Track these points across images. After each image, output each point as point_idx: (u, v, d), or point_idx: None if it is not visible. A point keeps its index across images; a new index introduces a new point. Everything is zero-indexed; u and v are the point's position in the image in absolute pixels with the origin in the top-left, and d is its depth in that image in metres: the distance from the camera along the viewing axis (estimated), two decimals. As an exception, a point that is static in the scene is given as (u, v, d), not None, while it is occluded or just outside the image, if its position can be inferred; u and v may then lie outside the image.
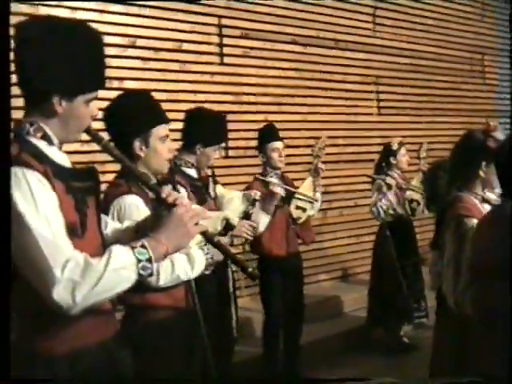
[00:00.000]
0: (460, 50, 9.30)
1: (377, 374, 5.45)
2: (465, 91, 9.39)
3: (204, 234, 2.12)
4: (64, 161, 2.08)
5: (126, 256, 1.91)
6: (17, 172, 1.88)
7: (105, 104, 5.47)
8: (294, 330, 5.31)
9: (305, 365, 5.42)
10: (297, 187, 5.11)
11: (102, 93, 5.76)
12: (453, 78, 9.18)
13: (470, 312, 2.88)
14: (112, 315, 2.24)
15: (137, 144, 2.99)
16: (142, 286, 2.70)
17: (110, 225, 2.40)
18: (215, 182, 4.39)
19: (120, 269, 1.89)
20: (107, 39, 5.66)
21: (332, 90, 7.68)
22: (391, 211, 5.74)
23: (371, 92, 8.20)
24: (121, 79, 5.73)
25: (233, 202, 4.29)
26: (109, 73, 5.71)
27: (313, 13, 7.43)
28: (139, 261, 1.91)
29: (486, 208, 3.07)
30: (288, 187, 4.96)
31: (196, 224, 2.05)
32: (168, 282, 2.84)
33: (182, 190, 3.83)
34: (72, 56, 1.98)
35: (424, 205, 5.48)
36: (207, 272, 3.43)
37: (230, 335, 4.48)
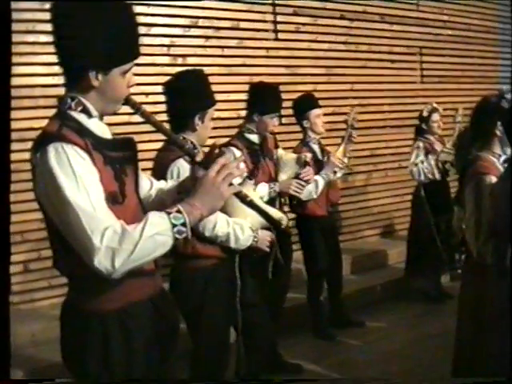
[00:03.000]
0: (499, 22, 9.13)
1: (416, 318, 5.61)
2: (503, 60, 9.22)
3: (237, 194, 2.03)
4: (104, 132, 2.08)
5: (161, 222, 1.87)
6: (57, 147, 1.88)
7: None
8: (336, 280, 5.48)
9: (353, 310, 5.63)
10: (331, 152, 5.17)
11: (167, 69, 5.95)
12: (492, 47, 9.07)
13: (489, 261, 3.00)
14: (156, 274, 2.24)
15: (197, 119, 3.24)
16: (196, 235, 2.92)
17: (155, 185, 2.40)
18: (276, 146, 4.58)
19: (155, 235, 1.85)
20: (172, 20, 5.87)
21: (378, 60, 7.69)
22: (430, 175, 5.77)
23: (415, 62, 8.18)
24: (184, 56, 5.93)
25: (288, 164, 4.48)
26: (173, 51, 5.96)
27: (359, -11, 7.44)
28: (174, 226, 1.87)
29: (505, 166, 3.15)
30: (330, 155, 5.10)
31: (231, 185, 1.96)
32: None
33: (238, 152, 4.07)
34: (104, 31, 1.93)
35: (454, 166, 5.52)
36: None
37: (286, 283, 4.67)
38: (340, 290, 5.50)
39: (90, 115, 2.04)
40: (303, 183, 4.26)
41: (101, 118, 2.10)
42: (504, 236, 2.85)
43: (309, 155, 4.56)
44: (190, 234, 1.92)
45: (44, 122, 4.89)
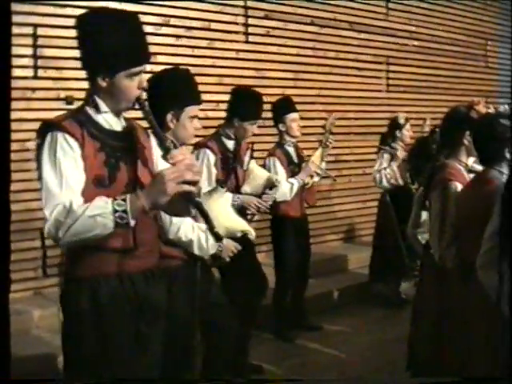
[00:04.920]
0: (465, 35, 9.35)
1: (375, 323, 5.68)
2: (467, 72, 9.43)
3: (186, 194, 2.17)
4: (112, 125, 2.36)
5: (103, 206, 2.11)
6: (52, 135, 2.23)
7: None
8: (302, 285, 5.53)
9: (314, 313, 5.68)
10: (308, 156, 5.24)
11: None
12: (457, 60, 9.24)
13: (450, 265, 3.08)
14: (140, 254, 2.40)
15: (169, 117, 3.18)
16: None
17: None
18: (251, 157, 4.54)
19: (96, 216, 2.10)
20: (144, 18, 5.80)
21: (345, 67, 7.80)
22: (393, 181, 5.86)
23: (381, 71, 8.30)
24: (154, 54, 5.86)
25: (256, 179, 4.43)
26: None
27: (330, -3, 7.53)
28: (116, 211, 2.10)
29: (471, 175, 3.23)
30: (302, 157, 5.18)
31: (187, 183, 2.12)
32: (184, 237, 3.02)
33: (212, 156, 4.07)
34: (108, 40, 2.22)
35: (410, 175, 5.63)
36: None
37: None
38: (303, 293, 5.55)
39: (98, 110, 2.34)
40: (264, 204, 4.25)
41: (117, 113, 2.38)
42: (466, 241, 2.91)
43: (279, 178, 4.55)
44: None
45: (12, 114, 4.82)
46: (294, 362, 4.83)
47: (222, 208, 3.49)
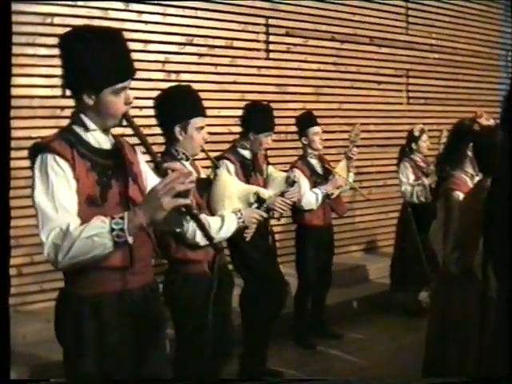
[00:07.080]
0: (485, 46, 9.38)
1: (394, 331, 5.76)
2: (488, 84, 9.46)
3: (185, 206, 2.19)
4: (101, 143, 2.36)
5: (100, 226, 2.10)
6: (42, 157, 2.21)
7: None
8: (323, 293, 5.65)
9: (334, 322, 5.79)
10: (333, 167, 5.39)
11: (161, 84, 6.10)
12: (478, 71, 9.28)
13: (453, 270, 3.19)
14: (136, 270, 2.36)
15: (177, 130, 3.32)
16: (184, 243, 3.07)
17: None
18: (267, 163, 4.75)
19: (93, 236, 2.08)
20: (168, 38, 6.03)
21: (366, 81, 7.90)
22: (423, 198, 5.90)
23: (401, 84, 8.40)
24: (178, 72, 6.09)
25: (276, 181, 4.62)
26: (168, 67, 6.10)
27: (350, 13, 7.68)
28: (113, 230, 2.09)
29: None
30: (329, 168, 5.35)
31: (181, 196, 2.12)
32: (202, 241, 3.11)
33: (231, 166, 4.36)
34: (95, 57, 2.20)
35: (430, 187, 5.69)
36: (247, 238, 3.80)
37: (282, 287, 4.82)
38: (323, 301, 5.67)
39: (86, 129, 2.33)
40: (288, 201, 4.39)
41: (105, 130, 2.37)
42: (468, 246, 3.02)
43: (297, 174, 4.73)
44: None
45: (41, 132, 5.07)
46: (314, 368, 4.94)
47: (229, 182, 3.66)
